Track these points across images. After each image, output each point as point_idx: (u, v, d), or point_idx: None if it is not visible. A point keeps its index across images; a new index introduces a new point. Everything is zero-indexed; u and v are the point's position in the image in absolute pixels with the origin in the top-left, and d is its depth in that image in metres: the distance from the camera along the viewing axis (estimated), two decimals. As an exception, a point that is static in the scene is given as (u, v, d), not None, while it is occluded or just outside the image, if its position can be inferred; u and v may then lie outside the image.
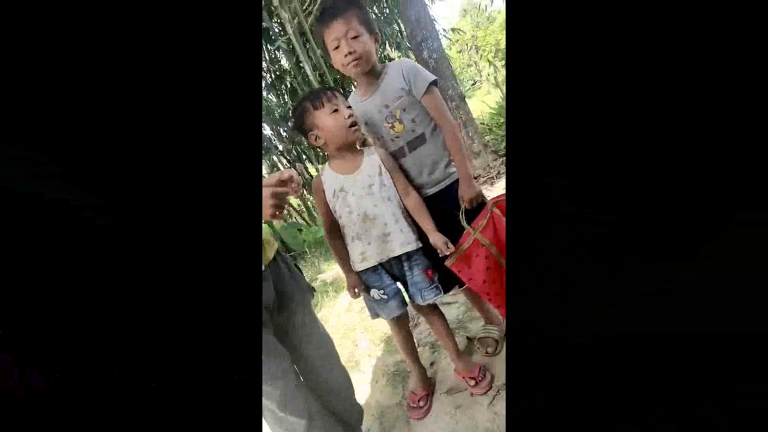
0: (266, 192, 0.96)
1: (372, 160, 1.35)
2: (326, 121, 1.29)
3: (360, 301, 2.58)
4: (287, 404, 1.13)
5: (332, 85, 3.77)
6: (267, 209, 0.96)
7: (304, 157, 4.70)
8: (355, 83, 1.53)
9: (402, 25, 3.95)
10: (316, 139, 1.33)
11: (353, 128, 1.29)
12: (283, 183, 0.99)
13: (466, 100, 4.03)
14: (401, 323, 1.51)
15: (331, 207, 1.37)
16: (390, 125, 1.41)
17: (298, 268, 1.32)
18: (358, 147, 1.39)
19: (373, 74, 1.41)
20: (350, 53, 1.32)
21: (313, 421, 1.18)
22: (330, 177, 1.36)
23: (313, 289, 1.34)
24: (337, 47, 1.33)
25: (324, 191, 1.37)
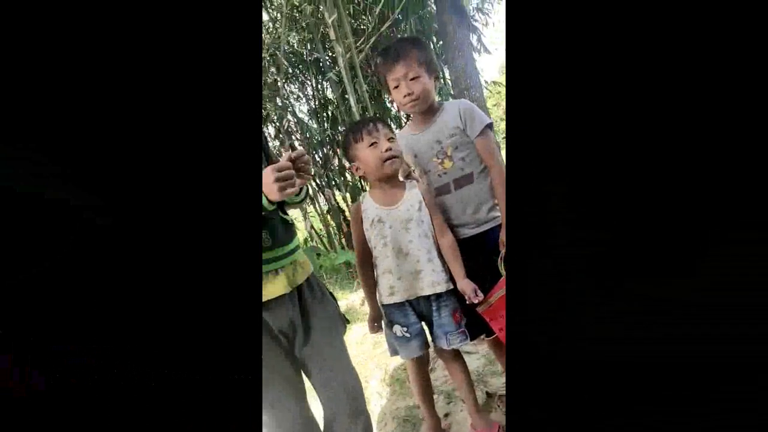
0: (270, 173, 0.92)
1: (413, 194, 1.35)
2: (365, 154, 1.31)
3: (374, 336, 2.55)
4: None
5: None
6: (274, 188, 0.92)
7: (334, 183, 4.86)
8: (411, 118, 1.56)
9: (447, 72, 4.09)
10: (357, 170, 1.37)
11: (389, 162, 1.29)
12: (291, 161, 0.95)
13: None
14: (420, 365, 1.45)
15: (366, 236, 1.37)
16: (439, 161, 1.44)
17: (332, 296, 1.24)
18: (401, 179, 1.40)
19: (429, 110, 1.45)
20: (408, 94, 1.37)
21: None
22: (370, 206, 1.37)
23: (346, 321, 1.26)
24: (396, 86, 1.39)
25: (362, 220, 1.38)
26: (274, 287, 1.04)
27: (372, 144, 1.29)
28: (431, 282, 1.31)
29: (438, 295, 1.34)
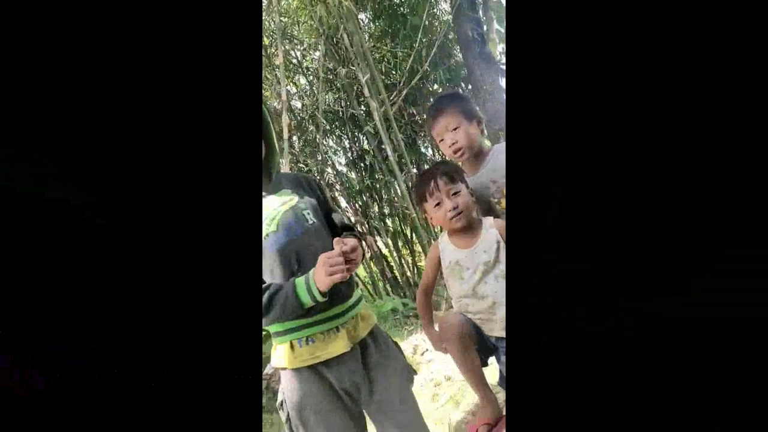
0: (322, 262, 0.93)
1: (490, 234, 1.33)
2: (433, 213, 1.33)
3: (432, 389, 2.40)
4: None
5: (409, 164, 4.17)
6: (322, 274, 0.92)
7: (375, 230, 5.04)
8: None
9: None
10: (432, 221, 1.38)
11: (455, 219, 1.28)
12: (344, 254, 0.94)
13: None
14: (466, 348, 1.38)
15: (443, 276, 1.37)
16: (497, 200, 1.44)
17: (398, 347, 1.20)
18: (477, 220, 1.38)
19: (480, 154, 1.47)
20: (453, 144, 1.41)
21: None
22: (447, 248, 1.36)
23: (414, 372, 1.21)
24: (442, 140, 1.44)
25: (440, 261, 1.37)
26: (335, 346, 1.02)
27: (437, 204, 1.30)
28: (503, 327, 1.29)
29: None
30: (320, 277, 0.93)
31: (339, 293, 1.04)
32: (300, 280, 0.97)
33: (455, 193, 1.28)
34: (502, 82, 4.36)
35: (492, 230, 1.33)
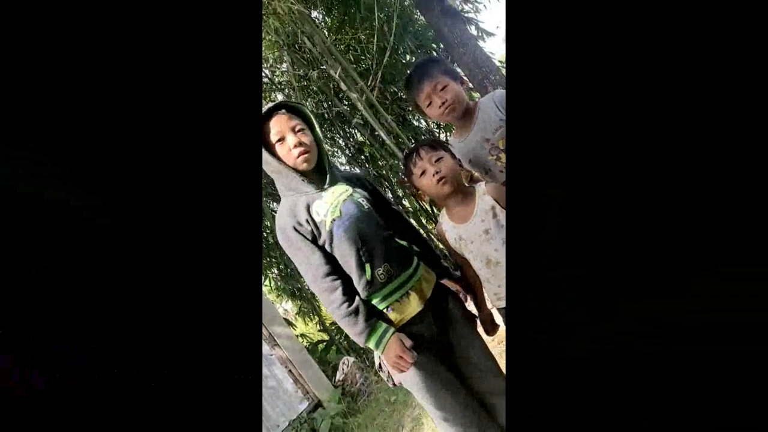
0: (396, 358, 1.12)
1: (484, 202, 1.32)
2: (420, 183, 1.33)
3: (497, 346, 2.50)
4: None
5: (408, 143, 4.07)
6: (391, 363, 1.13)
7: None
8: (453, 128, 1.57)
9: (460, 71, 4.16)
10: (424, 197, 1.40)
11: (441, 183, 1.28)
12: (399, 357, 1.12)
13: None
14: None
15: (458, 252, 1.38)
16: (495, 157, 1.42)
17: (460, 300, 1.35)
18: (466, 184, 1.38)
19: (467, 113, 1.45)
20: (442, 104, 1.39)
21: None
22: (448, 227, 1.36)
23: (474, 316, 1.35)
24: (429, 104, 1.41)
25: (447, 239, 1.39)
26: (410, 308, 1.19)
27: (422, 173, 1.30)
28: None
29: None
30: (389, 355, 1.13)
31: (400, 263, 1.20)
32: (379, 331, 1.14)
33: (438, 160, 1.29)
34: (472, 29, 4.30)
35: (485, 197, 1.32)
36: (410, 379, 1.18)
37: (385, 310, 1.17)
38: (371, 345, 1.14)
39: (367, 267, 1.15)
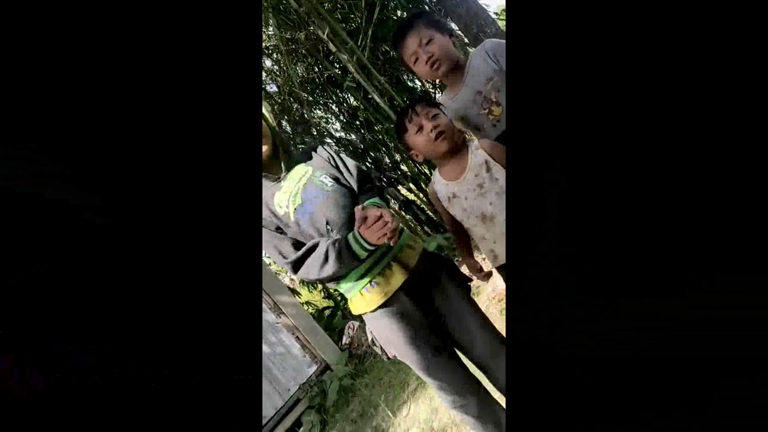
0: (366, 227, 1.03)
1: (477, 156, 1.29)
2: (415, 140, 1.29)
3: (499, 303, 2.49)
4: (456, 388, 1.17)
5: (402, 104, 3.94)
6: (374, 239, 1.04)
7: (394, 179, 4.89)
8: (446, 84, 1.50)
9: (455, 26, 4.02)
10: (417, 156, 1.35)
11: (440, 140, 1.25)
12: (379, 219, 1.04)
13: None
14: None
15: (450, 212, 1.35)
16: (487, 110, 1.37)
17: (453, 265, 1.31)
18: (460, 142, 1.33)
19: (458, 67, 1.39)
20: (428, 59, 1.33)
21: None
22: (440, 185, 1.34)
23: (469, 279, 1.31)
24: (416, 60, 1.35)
25: (439, 199, 1.36)
26: (394, 279, 1.13)
27: (418, 130, 1.26)
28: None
29: None
30: (371, 238, 1.04)
31: None
32: (351, 237, 1.06)
33: (434, 116, 1.26)
34: None
35: (478, 152, 1.30)
36: (403, 352, 1.15)
37: (368, 285, 1.13)
38: (359, 252, 1.06)
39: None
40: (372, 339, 1.21)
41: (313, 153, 1.25)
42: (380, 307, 1.13)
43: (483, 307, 2.69)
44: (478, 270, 1.36)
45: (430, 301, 1.19)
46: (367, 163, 4.89)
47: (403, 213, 4.85)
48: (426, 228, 4.84)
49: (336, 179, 1.17)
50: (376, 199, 1.15)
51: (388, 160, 4.83)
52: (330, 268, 1.07)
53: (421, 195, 4.86)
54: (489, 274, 1.35)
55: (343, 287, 1.17)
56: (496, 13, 4.27)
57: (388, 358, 1.21)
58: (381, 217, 1.03)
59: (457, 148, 1.30)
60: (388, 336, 1.15)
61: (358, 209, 1.05)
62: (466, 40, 3.93)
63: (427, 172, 4.74)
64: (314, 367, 3.23)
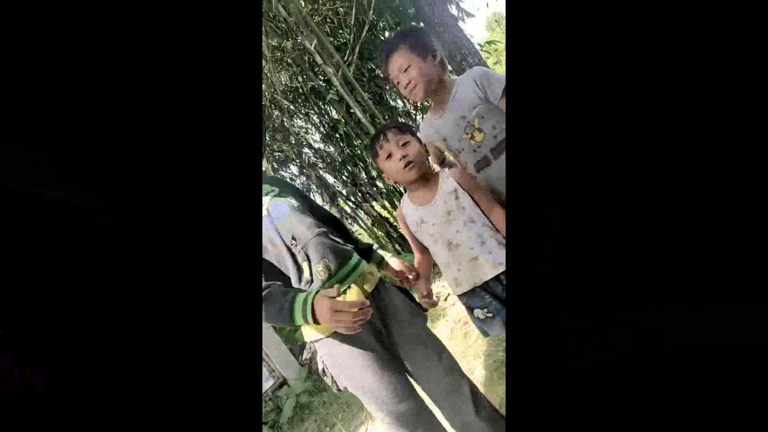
0: (334, 313, 1.01)
1: (447, 184, 1.31)
2: (385, 166, 1.31)
3: (462, 328, 2.48)
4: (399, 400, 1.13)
5: (383, 122, 3.96)
6: (329, 321, 1.02)
7: (369, 195, 4.90)
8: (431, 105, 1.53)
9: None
10: (388, 179, 1.37)
11: (407, 168, 1.27)
12: (353, 306, 1.03)
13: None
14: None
15: (417, 237, 1.36)
16: (469, 136, 1.40)
17: (409, 295, 1.30)
18: (437, 168, 1.35)
19: (443, 91, 1.41)
20: (407, 84, 1.35)
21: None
22: (409, 210, 1.35)
23: (425, 309, 1.31)
24: (398, 83, 1.38)
25: (407, 224, 1.37)
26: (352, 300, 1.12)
27: (387, 157, 1.28)
28: (492, 264, 1.26)
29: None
30: (324, 317, 1.02)
31: (338, 257, 1.14)
32: (299, 300, 1.04)
33: (404, 144, 1.27)
34: (453, 9, 4.16)
35: (449, 180, 1.31)
36: (356, 381, 1.12)
37: None
38: (297, 318, 1.04)
39: (305, 265, 1.10)
40: (323, 368, 1.19)
41: (281, 182, 1.30)
42: (335, 333, 1.10)
43: (448, 330, 2.67)
44: (423, 295, 1.36)
45: (384, 324, 1.18)
46: (344, 176, 4.92)
47: (376, 229, 4.88)
48: (397, 246, 4.86)
49: (301, 203, 1.24)
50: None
51: (365, 176, 4.84)
52: (264, 314, 1.06)
53: (394, 212, 4.87)
54: (434, 304, 1.35)
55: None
56: (480, 44, 4.34)
57: (338, 390, 1.17)
58: (337, 311, 1.01)
59: (427, 176, 1.32)
60: (341, 363, 1.13)
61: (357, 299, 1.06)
62: (450, 66, 3.98)
63: (402, 190, 4.76)
64: (271, 382, 3.15)
